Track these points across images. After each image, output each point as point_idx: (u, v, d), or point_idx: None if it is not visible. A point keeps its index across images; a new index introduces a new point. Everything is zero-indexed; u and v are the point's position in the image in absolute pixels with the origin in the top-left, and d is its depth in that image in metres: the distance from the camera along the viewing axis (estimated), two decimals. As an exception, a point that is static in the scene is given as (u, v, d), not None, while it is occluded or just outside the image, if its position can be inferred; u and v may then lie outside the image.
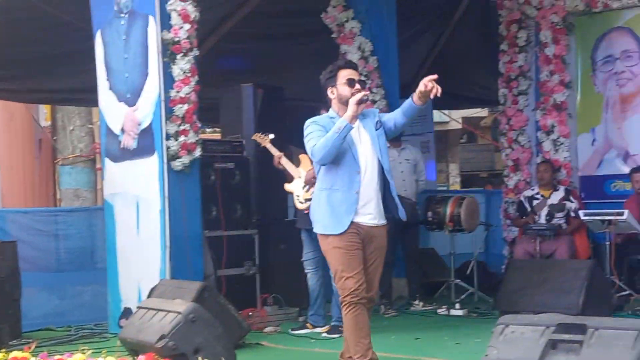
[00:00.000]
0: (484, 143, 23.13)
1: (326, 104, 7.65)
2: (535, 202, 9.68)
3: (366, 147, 5.48)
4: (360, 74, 5.64)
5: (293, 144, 8.67)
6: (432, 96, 5.26)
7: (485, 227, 10.60)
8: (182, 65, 7.58)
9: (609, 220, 8.75)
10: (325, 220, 5.44)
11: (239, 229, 8.68)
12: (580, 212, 9.19)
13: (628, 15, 10.12)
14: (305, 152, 7.74)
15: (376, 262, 5.52)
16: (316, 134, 5.49)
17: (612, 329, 4.30)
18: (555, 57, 10.34)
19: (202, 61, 7.98)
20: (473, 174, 23.97)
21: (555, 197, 9.61)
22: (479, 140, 24.03)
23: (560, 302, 7.78)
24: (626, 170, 9.90)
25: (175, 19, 7.59)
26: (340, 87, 5.55)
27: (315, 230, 5.57)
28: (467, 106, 17.31)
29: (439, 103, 13.31)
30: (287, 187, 7.89)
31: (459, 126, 20.18)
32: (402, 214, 5.58)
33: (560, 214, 9.49)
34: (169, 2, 7.58)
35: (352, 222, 5.37)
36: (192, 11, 7.64)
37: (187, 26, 7.61)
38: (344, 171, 5.40)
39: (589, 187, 10.36)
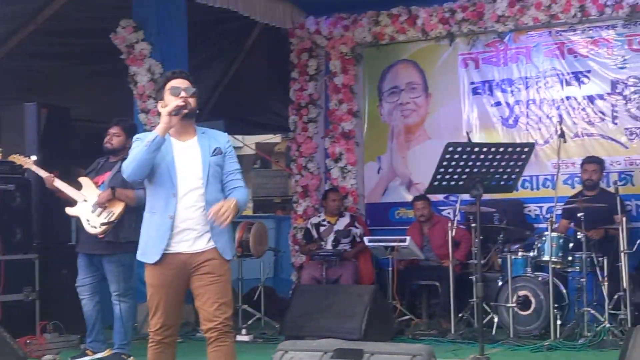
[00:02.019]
0: (278, 169, 23.39)
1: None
2: (322, 229, 9.84)
3: (190, 168, 4.88)
4: (193, 83, 5.01)
5: (78, 166, 8.44)
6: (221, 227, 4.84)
7: (274, 252, 10.67)
8: (-40, 83, 7.22)
9: (392, 247, 8.99)
10: (142, 246, 4.96)
11: (19, 253, 8.31)
12: (365, 239, 9.41)
13: (413, 49, 10.54)
14: (86, 175, 7.58)
15: (210, 288, 4.83)
16: (135, 150, 4.94)
17: (387, 354, 4.42)
18: (344, 87, 10.61)
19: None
20: (267, 199, 24.16)
21: (342, 223, 9.81)
22: (273, 166, 24.28)
23: (344, 327, 7.92)
24: (410, 198, 10.24)
25: (-47, 34, 7.23)
26: (166, 97, 4.92)
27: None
28: (260, 132, 17.46)
29: (231, 128, 13.32)
30: (71, 211, 7.60)
31: (253, 151, 20.30)
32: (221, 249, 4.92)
33: (346, 240, 9.69)
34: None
35: (166, 253, 4.83)
36: (-28, 26, 7.30)
37: (-34, 42, 7.27)
38: (161, 193, 4.89)
39: (374, 214, 10.66)
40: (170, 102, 4.85)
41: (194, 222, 4.86)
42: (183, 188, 4.86)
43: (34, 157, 7.65)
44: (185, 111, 4.83)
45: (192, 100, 4.89)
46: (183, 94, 4.85)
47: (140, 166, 4.83)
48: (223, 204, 4.74)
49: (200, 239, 4.86)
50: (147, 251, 4.90)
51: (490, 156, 5.56)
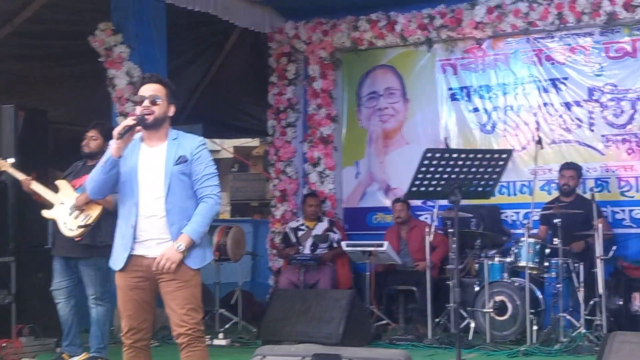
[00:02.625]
0: (256, 172, 23.37)
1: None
2: (300, 233, 9.84)
3: (152, 177, 4.84)
4: (169, 87, 4.90)
5: (55, 169, 8.40)
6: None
7: (251, 256, 10.66)
8: (-64, 84, 7.17)
9: (370, 252, 9.00)
10: (113, 253, 4.96)
11: (-6, 256, 8.28)
12: (343, 243, 9.42)
13: (391, 54, 10.57)
14: (63, 178, 7.54)
15: (177, 294, 4.80)
16: (94, 169, 4.94)
17: (365, 359, 4.42)
18: (322, 92, 10.63)
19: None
20: (245, 203, 24.14)
21: (320, 228, 9.82)
22: (250, 170, 24.25)
23: (321, 331, 7.94)
24: (387, 202, 10.27)
25: None
26: (137, 106, 4.91)
27: None
28: (238, 136, 17.41)
29: (209, 131, 13.31)
30: (47, 214, 7.55)
31: (230, 155, 20.28)
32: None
33: (324, 245, 9.69)
34: None
35: (131, 257, 4.82)
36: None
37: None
38: (125, 201, 4.89)
39: (352, 218, 10.68)
40: (137, 111, 4.84)
41: (156, 231, 4.82)
42: (144, 197, 4.83)
43: (11, 160, 7.59)
44: (134, 128, 4.77)
45: (156, 108, 4.84)
46: (146, 103, 4.81)
47: (99, 186, 4.89)
48: (162, 255, 4.72)
49: (161, 246, 4.81)
50: (115, 258, 4.92)
51: (468, 162, 5.57)
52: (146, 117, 4.82)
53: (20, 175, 7.45)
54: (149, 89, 4.88)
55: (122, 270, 4.87)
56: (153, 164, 4.84)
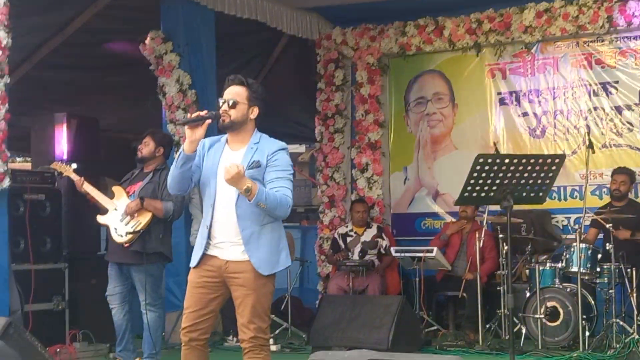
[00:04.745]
0: (302, 178, 23.42)
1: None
2: (349, 239, 9.84)
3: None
4: (252, 89, 4.91)
5: (107, 176, 8.49)
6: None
7: (300, 262, 10.69)
8: (-8, 92, 7.28)
9: (419, 257, 8.99)
10: (194, 251, 5.04)
11: (48, 263, 8.40)
12: (392, 249, 9.41)
13: (439, 59, 10.54)
14: (120, 184, 7.64)
15: (244, 301, 4.85)
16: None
17: (419, 365, 4.42)
18: (370, 97, 10.62)
19: (14, 88, 7.69)
20: (291, 209, 24.20)
21: (369, 234, 9.80)
22: (296, 176, 24.32)
23: (371, 338, 7.93)
24: (436, 208, 10.29)
25: (-15, 45, 7.29)
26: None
27: None
28: (285, 142, 17.44)
29: (257, 138, 13.38)
30: (101, 219, 7.65)
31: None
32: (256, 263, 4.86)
33: (373, 251, 9.68)
34: (-20, 27, 7.28)
35: (205, 256, 4.91)
36: (4, 37, 7.35)
37: (-2, 52, 7.33)
38: (205, 202, 4.97)
39: (400, 224, 10.66)
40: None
41: (230, 234, 4.86)
42: (220, 199, 4.88)
43: (74, 166, 7.73)
44: (202, 122, 4.77)
45: (233, 112, 4.85)
46: (224, 106, 4.83)
47: (175, 181, 4.92)
48: (237, 166, 4.64)
49: (234, 248, 4.86)
50: (193, 255, 4.99)
51: (520, 167, 5.54)
52: (223, 118, 4.85)
53: (75, 177, 7.57)
54: (230, 91, 4.91)
55: (195, 267, 4.95)
56: None
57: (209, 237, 4.90)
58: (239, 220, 4.83)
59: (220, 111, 4.85)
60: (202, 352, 5.02)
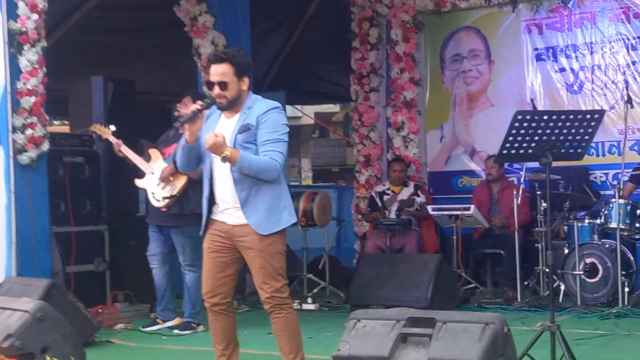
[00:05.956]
0: (336, 138, 23.41)
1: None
2: (386, 198, 9.83)
3: None
4: (236, 62, 4.91)
5: (144, 139, 8.55)
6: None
7: (337, 222, 10.71)
8: (29, 57, 7.32)
9: (457, 215, 8.98)
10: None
11: (88, 225, 8.49)
12: (429, 207, 9.39)
13: (475, 15, 10.43)
14: (156, 147, 7.69)
15: (254, 263, 4.95)
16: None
17: (459, 322, 4.42)
18: (405, 55, 10.55)
19: (50, 52, 7.74)
20: (325, 169, 24.24)
21: (406, 192, 9.79)
22: (331, 135, 24.30)
23: (409, 295, 7.96)
24: (473, 166, 10.27)
25: (22, 9, 7.31)
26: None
27: None
28: (319, 102, 17.48)
29: (291, 98, 13.37)
30: (139, 183, 7.74)
31: (311, 121, 20.36)
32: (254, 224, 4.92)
33: (410, 209, 9.67)
34: (16, -8, 7.31)
35: (212, 221, 5.03)
36: (40, 1, 7.39)
37: (34, 16, 7.35)
38: (204, 171, 5.05)
39: (437, 182, 10.63)
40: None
41: (231, 200, 4.94)
42: (217, 167, 4.95)
43: (112, 128, 7.80)
44: (199, 114, 4.87)
45: (227, 92, 4.88)
46: (217, 90, 4.85)
47: (185, 164, 5.10)
48: (215, 135, 4.74)
49: (237, 212, 4.94)
50: (202, 224, 5.11)
51: (559, 124, 5.48)
52: (219, 101, 4.90)
53: (114, 139, 7.65)
54: (216, 72, 4.90)
55: (204, 234, 5.07)
56: (224, 135, 4.85)
57: (214, 203, 5.01)
58: (235, 184, 4.89)
59: (214, 95, 4.89)
60: (227, 318, 5.11)
